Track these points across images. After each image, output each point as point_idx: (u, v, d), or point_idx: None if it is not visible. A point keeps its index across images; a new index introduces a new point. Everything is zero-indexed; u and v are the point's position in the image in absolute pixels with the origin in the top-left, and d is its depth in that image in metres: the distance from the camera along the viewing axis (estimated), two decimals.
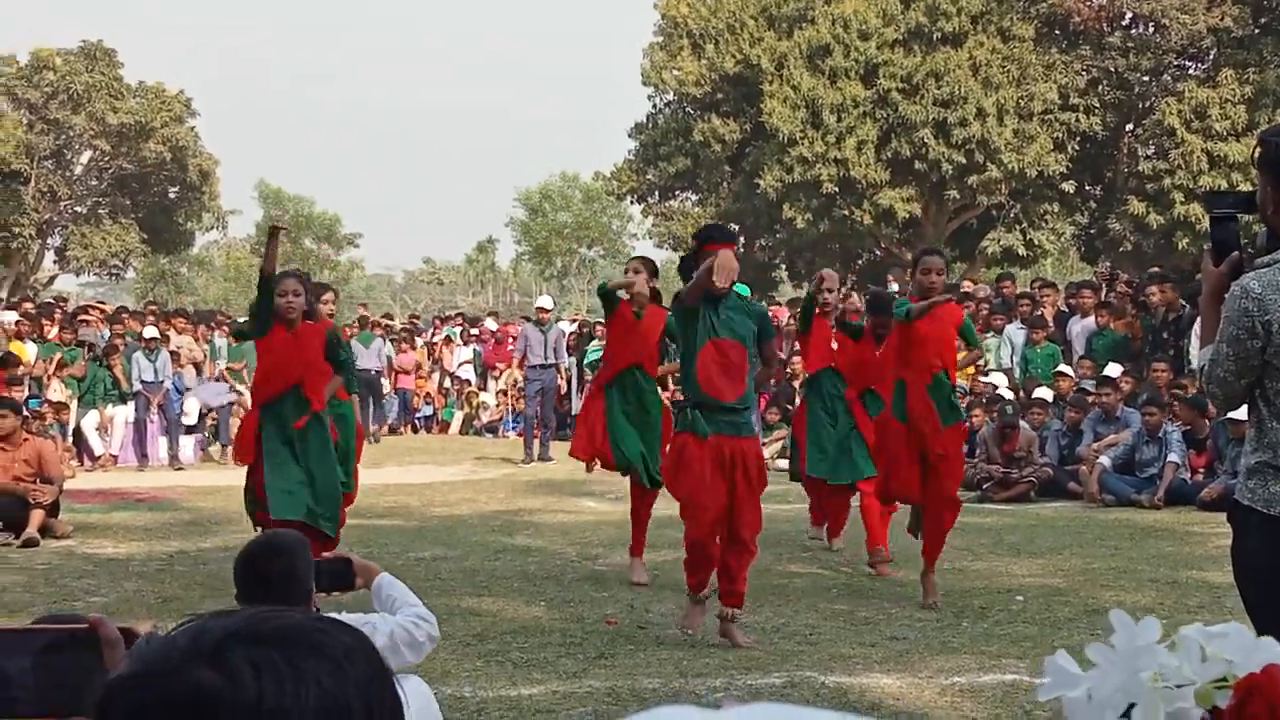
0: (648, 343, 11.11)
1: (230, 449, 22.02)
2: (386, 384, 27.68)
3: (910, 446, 9.82)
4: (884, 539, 11.31)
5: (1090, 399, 17.31)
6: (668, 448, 9.49)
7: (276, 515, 9.70)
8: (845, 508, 12.20)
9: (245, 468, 10.38)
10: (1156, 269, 24.03)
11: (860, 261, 38.88)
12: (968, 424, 10.75)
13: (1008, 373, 19.73)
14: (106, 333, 23.30)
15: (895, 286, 25.88)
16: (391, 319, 34.21)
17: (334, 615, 1.46)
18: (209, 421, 23.31)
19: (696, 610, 8.76)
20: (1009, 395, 18.24)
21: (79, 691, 2.05)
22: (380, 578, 5.00)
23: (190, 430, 22.29)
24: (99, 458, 21.16)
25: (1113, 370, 17.72)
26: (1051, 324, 20.22)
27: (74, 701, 2.27)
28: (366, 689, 1.38)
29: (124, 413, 21.60)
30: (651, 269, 11.21)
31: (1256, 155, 4.55)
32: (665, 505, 11.50)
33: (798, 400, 14.41)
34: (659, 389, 11.49)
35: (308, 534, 9.33)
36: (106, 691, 1.38)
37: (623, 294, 11.00)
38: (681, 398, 9.10)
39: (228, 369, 25.59)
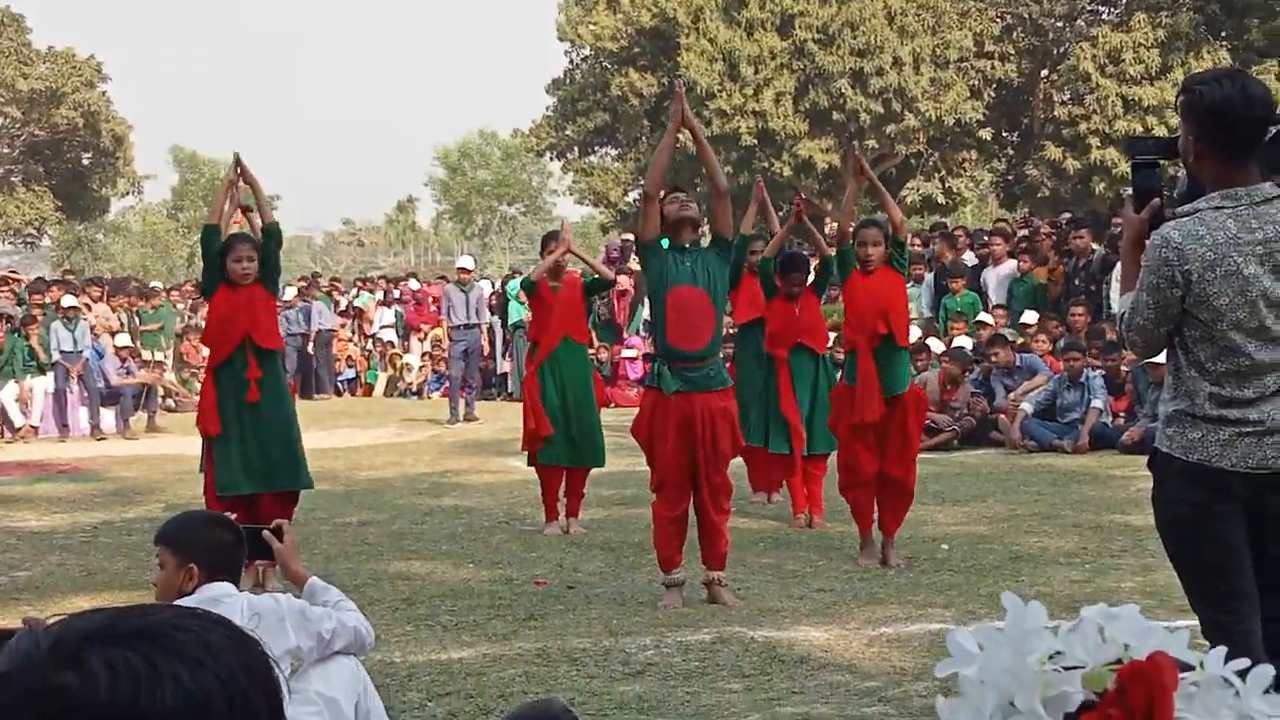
0: (570, 311, 11.30)
1: (150, 419, 22.08)
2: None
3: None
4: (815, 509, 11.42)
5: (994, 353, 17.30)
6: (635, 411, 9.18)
7: (221, 494, 9.59)
8: (782, 464, 11.82)
9: (201, 438, 10.00)
10: (1068, 214, 24.27)
11: (780, 213, 38.89)
12: (926, 391, 10.39)
13: (927, 322, 19.83)
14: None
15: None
16: (323, 278, 34.03)
17: (206, 610, 1.47)
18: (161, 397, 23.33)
19: (673, 594, 8.46)
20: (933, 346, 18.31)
21: None
22: (312, 581, 4.99)
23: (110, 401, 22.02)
24: (19, 429, 20.91)
25: (1029, 317, 17.85)
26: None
27: None
28: (231, 683, 1.39)
29: (43, 383, 21.36)
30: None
31: (1180, 103, 4.59)
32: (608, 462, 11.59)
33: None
34: (588, 350, 11.54)
35: (267, 500, 9.40)
36: None
37: (540, 274, 11.26)
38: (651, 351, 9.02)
39: (143, 331, 25.42)
